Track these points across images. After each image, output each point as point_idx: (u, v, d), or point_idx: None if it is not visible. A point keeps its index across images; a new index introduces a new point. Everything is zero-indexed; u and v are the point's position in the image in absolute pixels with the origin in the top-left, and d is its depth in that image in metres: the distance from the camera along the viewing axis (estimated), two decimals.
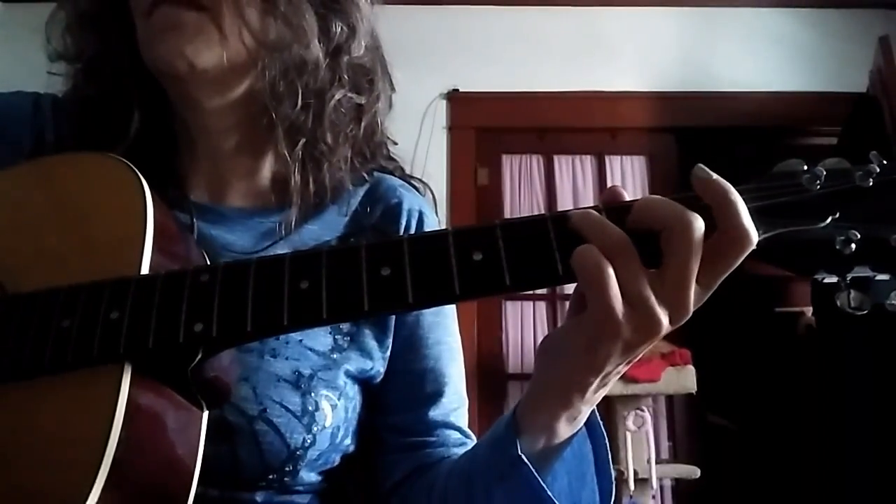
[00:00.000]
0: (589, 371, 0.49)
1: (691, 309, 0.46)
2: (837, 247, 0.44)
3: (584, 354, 0.48)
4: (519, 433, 0.55)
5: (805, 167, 0.46)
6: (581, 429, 0.56)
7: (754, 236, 0.44)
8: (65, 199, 0.61)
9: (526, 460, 0.54)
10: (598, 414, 0.57)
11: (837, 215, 0.45)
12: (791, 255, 0.45)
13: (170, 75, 0.67)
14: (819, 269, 0.45)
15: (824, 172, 0.45)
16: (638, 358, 0.50)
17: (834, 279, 0.46)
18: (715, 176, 0.46)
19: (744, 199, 0.45)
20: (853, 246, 0.44)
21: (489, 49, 3.11)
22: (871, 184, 0.44)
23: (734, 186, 0.46)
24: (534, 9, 3.13)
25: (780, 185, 0.46)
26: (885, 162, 0.45)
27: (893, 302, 0.44)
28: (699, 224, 0.44)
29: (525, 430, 0.55)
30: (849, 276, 0.45)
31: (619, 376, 0.52)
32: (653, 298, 0.45)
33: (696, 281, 0.45)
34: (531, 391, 0.56)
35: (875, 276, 0.45)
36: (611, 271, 0.45)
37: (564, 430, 0.55)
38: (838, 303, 0.45)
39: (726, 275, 0.46)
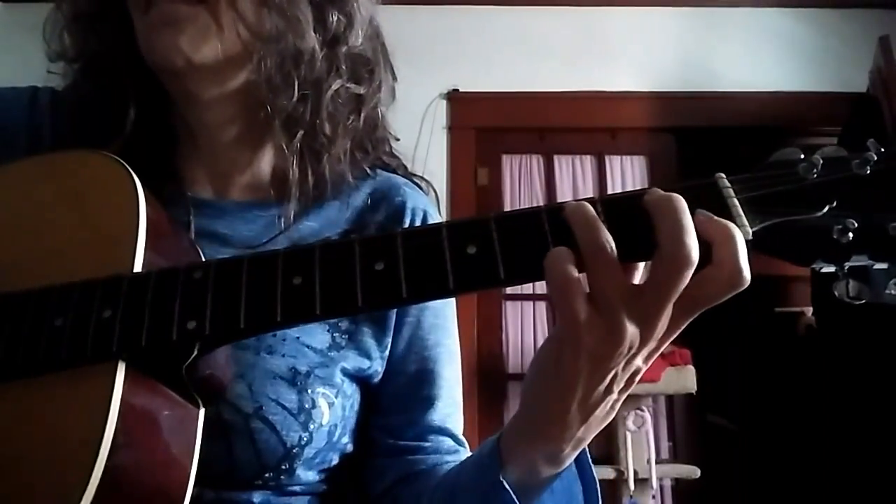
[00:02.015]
0: (560, 387, 0.48)
1: (659, 330, 0.45)
2: (835, 236, 0.44)
3: (553, 366, 0.48)
4: (502, 463, 0.55)
5: (801, 156, 0.46)
6: (570, 466, 0.56)
7: (748, 276, 0.43)
8: (59, 197, 0.60)
9: (507, 486, 0.54)
10: (589, 456, 0.57)
11: (834, 204, 0.44)
12: (788, 244, 0.45)
13: (167, 70, 0.67)
14: (816, 258, 0.45)
15: (821, 161, 0.45)
16: (621, 387, 0.49)
17: (832, 269, 0.46)
18: (716, 218, 0.44)
19: (739, 188, 0.45)
20: (851, 235, 0.43)
21: (489, 49, 3.11)
22: (868, 172, 0.44)
23: (730, 176, 0.46)
24: (534, 9, 3.13)
25: (776, 174, 0.46)
26: (882, 150, 0.44)
27: (892, 291, 0.44)
28: (694, 262, 0.43)
29: (507, 461, 0.55)
30: (847, 266, 0.45)
31: (606, 414, 0.50)
32: (622, 306, 0.44)
33: (678, 305, 0.44)
34: (513, 421, 0.55)
35: (873, 264, 0.44)
36: (576, 276, 0.44)
37: (545, 468, 0.54)
38: (836, 293, 0.45)
39: (709, 307, 0.45)
